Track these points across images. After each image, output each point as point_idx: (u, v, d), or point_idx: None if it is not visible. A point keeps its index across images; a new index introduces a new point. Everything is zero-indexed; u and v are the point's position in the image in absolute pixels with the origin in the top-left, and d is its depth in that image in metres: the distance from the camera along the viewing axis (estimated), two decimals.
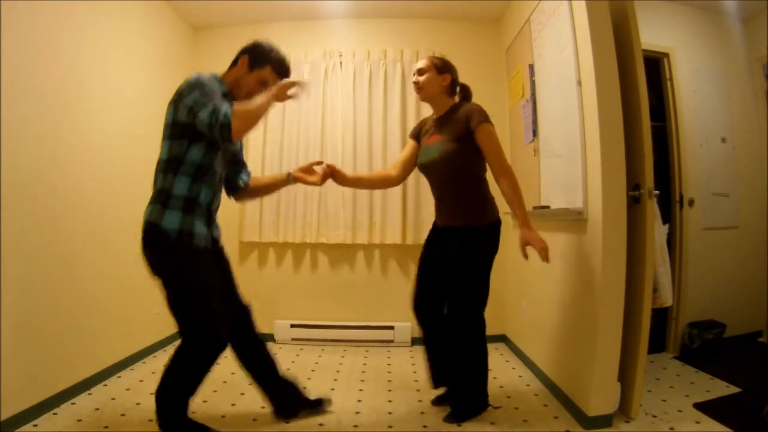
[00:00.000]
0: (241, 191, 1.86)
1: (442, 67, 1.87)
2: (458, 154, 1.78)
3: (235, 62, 1.68)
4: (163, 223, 1.49)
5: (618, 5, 1.86)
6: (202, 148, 1.53)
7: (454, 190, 1.83)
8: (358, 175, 2.15)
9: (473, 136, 1.76)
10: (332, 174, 1.87)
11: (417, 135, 2.02)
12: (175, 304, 1.53)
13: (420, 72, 1.88)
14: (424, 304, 1.96)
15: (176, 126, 1.52)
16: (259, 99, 1.47)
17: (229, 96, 1.61)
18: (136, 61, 2.58)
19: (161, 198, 1.52)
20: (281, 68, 1.66)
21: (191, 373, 1.57)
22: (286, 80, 1.57)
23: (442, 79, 1.87)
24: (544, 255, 1.69)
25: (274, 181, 1.92)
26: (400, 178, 2.04)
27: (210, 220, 1.64)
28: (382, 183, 2.11)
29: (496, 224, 1.84)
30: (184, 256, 1.51)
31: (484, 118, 1.76)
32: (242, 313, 1.80)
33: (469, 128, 1.77)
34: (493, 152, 1.76)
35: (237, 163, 1.83)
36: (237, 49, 1.72)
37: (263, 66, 1.62)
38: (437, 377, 2.01)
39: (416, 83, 1.89)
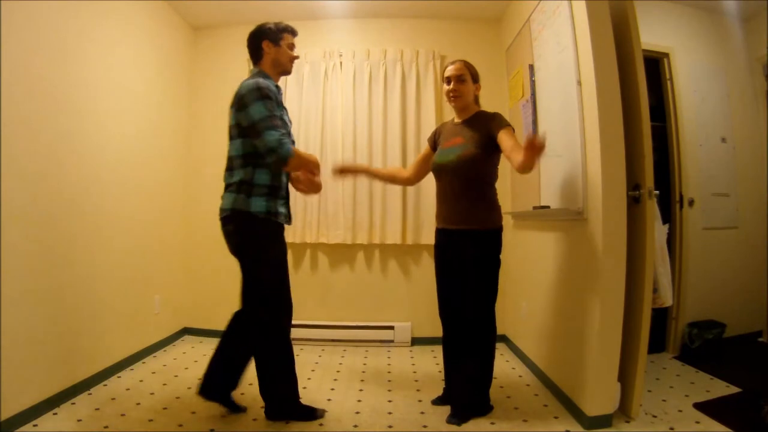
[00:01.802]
0: None
1: (476, 76, 1.92)
2: (478, 159, 1.82)
3: (258, 52, 1.86)
4: (251, 209, 1.71)
5: (618, 5, 1.86)
6: None
7: (469, 193, 1.84)
8: (370, 168, 2.25)
9: (494, 140, 1.81)
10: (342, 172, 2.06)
11: (434, 141, 2.05)
12: (258, 277, 1.76)
13: (459, 79, 1.88)
14: (449, 309, 1.97)
15: (241, 128, 1.72)
16: (313, 160, 1.77)
17: (277, 86, 1.85)
18: (136, 61, 2.58)
19: (243, 188, 1.73)
20: (293, 31, 1.92)
21: (278, 354, 1.78)
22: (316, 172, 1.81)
23: (476, 89, 1.92)
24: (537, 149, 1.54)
25: None
26: (411, 180, 2.13)
27: (288, 200, 1.90)
28: (392, 179, 2.22)
29: (501, 229, 1.88)
30: (271, 234, 1.78)
31: (507, 122, 1.83)
32: None
33: (490, 134, 1.81)
34: (514, 140, 1.77)
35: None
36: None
37: (282, 35, 1.86)
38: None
39: (455, 90, 1.88)
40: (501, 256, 1.87)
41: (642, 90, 1.80)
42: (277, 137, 1.63)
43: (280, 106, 1.78)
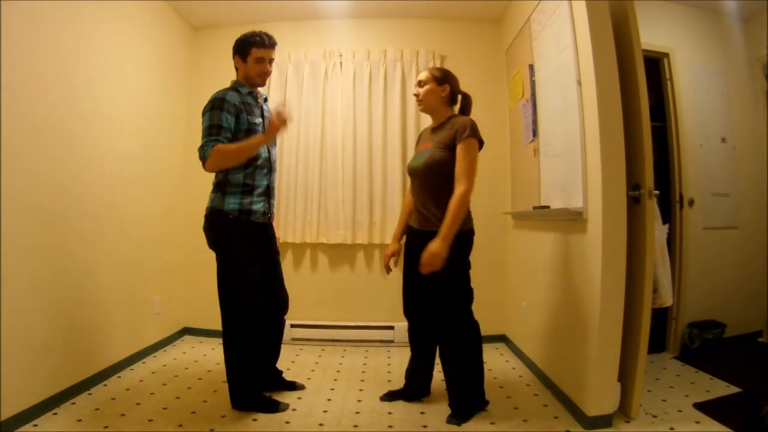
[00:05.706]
0: None
1: (441, 79, 1.90)
2: (443, 163, 1.80)
3: (236, 67, 1.95)
4: (225, 207, 1.82)
5: (618, 5, 1.86)
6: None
7: (435, 196, 1.83)
8: (400, 232, 2.11)
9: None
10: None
11: (417, 146, 2.08)
12: (221, 271, 1.86)
13: (420, 84, 1.92)
14: (414, 309, 1.99)
15: None
16: (252, 140, 1.77)
17: (253, 94, 1.94)
18: (136, 60, 2.58)
19: (221, 188, 1.85)
20: (262, 42, 1.87)
21: (238, 345, 1.85)
22: (272, 117, 1.78)
23: (441, 90, 1.90)
24: (425, 269, 1.66)
25: None
26: None
27: (269, 198, 1.96)
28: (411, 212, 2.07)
29: (468, 233, 1.84)
30: (240, 232, 1.84)
31: (473, 133, 1.77)
32: (275, 297, 2.06)
33: (454, 141, 1.79)
34: (466, 162, 1.74)
35: None
36: None
37: (249, 51, 1.87)
38: (417, 380, 2.07)
39: (416, 95, 1.94)
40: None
41: (642, 90, 1.79)
42: (201, 144, 1.75)
43: (240, 112, 1.82)
